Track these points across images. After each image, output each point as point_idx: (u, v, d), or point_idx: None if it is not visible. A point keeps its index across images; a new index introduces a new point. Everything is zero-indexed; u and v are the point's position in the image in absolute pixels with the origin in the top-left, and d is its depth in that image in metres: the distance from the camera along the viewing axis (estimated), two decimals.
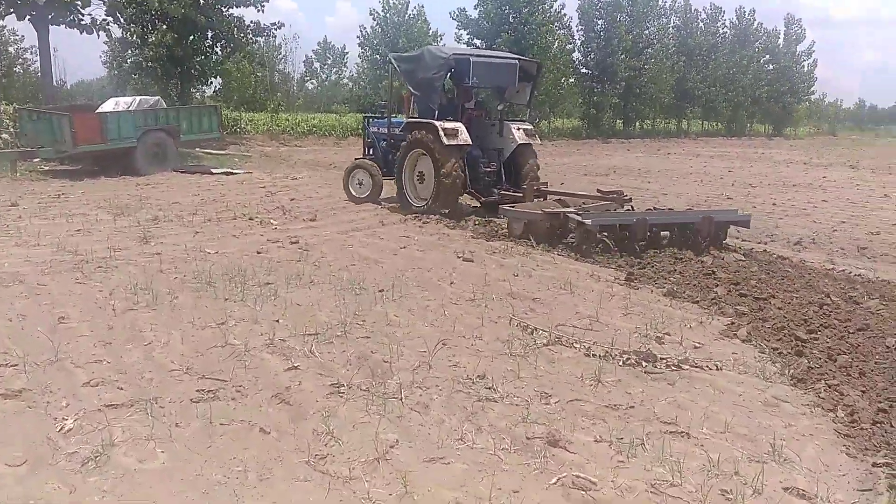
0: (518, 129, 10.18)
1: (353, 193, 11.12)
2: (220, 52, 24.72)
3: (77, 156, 14.24)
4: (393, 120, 11.05)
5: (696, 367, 4.27)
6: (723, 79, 44.55)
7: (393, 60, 10.84)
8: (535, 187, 9.67)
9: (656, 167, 20.05)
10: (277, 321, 4.98)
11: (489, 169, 10.13)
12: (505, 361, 4.31)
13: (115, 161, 14.32)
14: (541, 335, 4.73)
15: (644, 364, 4.25)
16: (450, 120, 9.63)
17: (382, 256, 7.23)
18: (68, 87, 27.97)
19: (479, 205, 10.42)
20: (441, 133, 9.20)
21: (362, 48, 35.18)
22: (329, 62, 50.56)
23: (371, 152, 11.61)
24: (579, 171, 18.40)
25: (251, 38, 25.28)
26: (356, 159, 11.70)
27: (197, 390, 3.75)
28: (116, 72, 42.89)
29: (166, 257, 6.83)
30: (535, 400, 3.74)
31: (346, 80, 46.87)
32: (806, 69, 52.72)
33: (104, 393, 3.69)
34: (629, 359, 4.32)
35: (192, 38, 23.58)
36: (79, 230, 8.06)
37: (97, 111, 14.48)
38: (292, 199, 11.07)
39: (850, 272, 7.11)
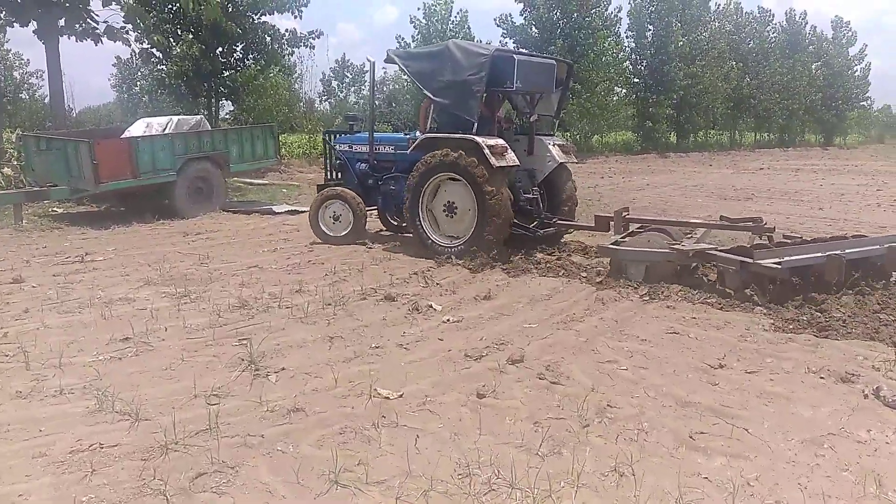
0: (553, 145, 8.22)
1: (326, 231, 8.61)
2: (252, 66, 21.44)
3: (100, 195, 10.95)
4: (377, 135, 8.81)
5: None
6: (777, 85, 41.19)
7: (397, 59, 8.05)
8: (624, 215, 7.68)
9: (792, 188, 16.60)
10: None
11: (531, 195, 7.98)
12: None
13: (146, 199, 11.02)
14: None
15: None
16: (487, 135, 7.40)
17: (718, 398, 3.77)
18: (75, 114, 24.61)
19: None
20: (487, 152, 6.99)
21: None
22: (347, 80, 47.49)
23: (339, 176, 9.23)
24: (706, 195, 15.02)
25: (287, 49, 22.07)
26: (320, 186, 9.14)
27: None
28: (126, 95, 39.40)
29: (315, 419, 3.44)
30: None
31: (361, 100, 43.56)
32: (859, 73, 49.40)
33: None
34: None
35: (220, 49, 20.41)
36: (127, 340, 4.68)
37: (124, 136, 11.17)
38: (412, 257, 7.71)
39: None
